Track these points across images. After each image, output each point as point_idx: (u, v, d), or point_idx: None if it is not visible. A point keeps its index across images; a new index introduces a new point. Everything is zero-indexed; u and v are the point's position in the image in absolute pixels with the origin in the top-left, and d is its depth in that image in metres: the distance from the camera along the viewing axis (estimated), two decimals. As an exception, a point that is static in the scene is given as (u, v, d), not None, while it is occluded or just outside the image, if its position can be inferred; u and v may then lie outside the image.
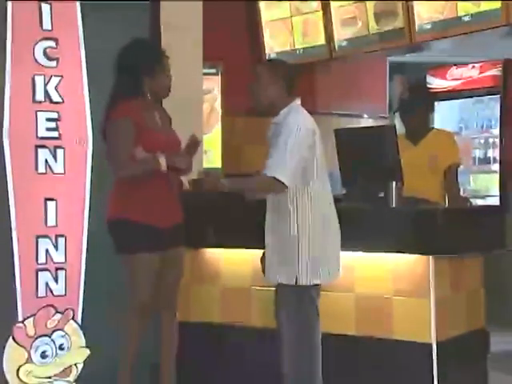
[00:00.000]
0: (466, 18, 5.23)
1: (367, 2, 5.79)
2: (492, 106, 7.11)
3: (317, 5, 6.09)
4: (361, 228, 3.99)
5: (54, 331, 4.04)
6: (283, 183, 3.56)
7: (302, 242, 3.65)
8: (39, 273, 4.01)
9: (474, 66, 7.17)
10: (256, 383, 4.29)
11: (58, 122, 4.07)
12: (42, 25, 4.05)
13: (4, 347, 3.93)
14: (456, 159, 4.79)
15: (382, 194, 4.22)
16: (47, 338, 4.03)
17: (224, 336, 4.46)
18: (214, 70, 5.93)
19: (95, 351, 4.10)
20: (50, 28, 4.06)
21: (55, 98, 4.07)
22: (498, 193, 6.84)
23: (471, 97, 7.30)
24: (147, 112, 3.81)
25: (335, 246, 3.75)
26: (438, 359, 3.89)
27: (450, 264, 4.03)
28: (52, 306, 4.04)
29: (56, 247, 4.05)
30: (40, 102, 4.04)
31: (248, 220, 4.16)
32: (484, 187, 7.12)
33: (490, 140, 7.23)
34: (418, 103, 4.79)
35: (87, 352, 4.11)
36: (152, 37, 4.34)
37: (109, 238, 3.79)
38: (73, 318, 4.09)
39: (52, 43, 4.06)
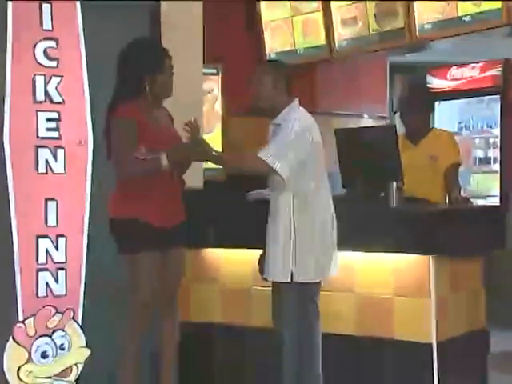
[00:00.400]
0: (467, 18, 5.22)
1: (367, 2, 5.79)
2: (492, 106, 7.13)
3: (317, 5, 6.09)
4: (361, 228, 3.99)
5: (54, 331, 4.04)
6: (273, 169, 3.58)
7: (298, 239, 3.66)
8: (39, 273, 4.00)
9: (474, 66, 7.18)
10: (256, 383, 4.29)
11: (59, 122, 4.06)
12: (42, 25, 4.04)
13: (4, 347, 3.93)
14: (456, 159, 4.79)
15: (382, 194, 4.22)
16: (47, 338, 4.02)
17: (224, 336, 4.46)
18: (214, 70, 5.93)
19: (95, 351, 4.09)
20: (50, 28, 4.06)
21: (55, 98, 4.06)
22: (498, 193, 6.85)
23: (471, 97, 7.31)
24: (149, 112, 3.81)
25: (332, 243, 3.76)
26: (438, 359, 3.89)
27: (450, 264, 4.03)
28: (52, 306, 4.03)
29: (56, 247, 4.04)
30: (40, 102, 4.03)
31: (248, 220, 4.16)
32: (484, 187, 7.13)
33: (490, 140, 7.24)
34: (418, 103, 4.79)
35: (87, 352, 4.10)
36: (152, 37, 4.34)
37: (109, 238, 3.79)
38: (73, 318, 4.08)
39: (52, 43, 4.06)
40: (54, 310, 4.03)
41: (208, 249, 4.51)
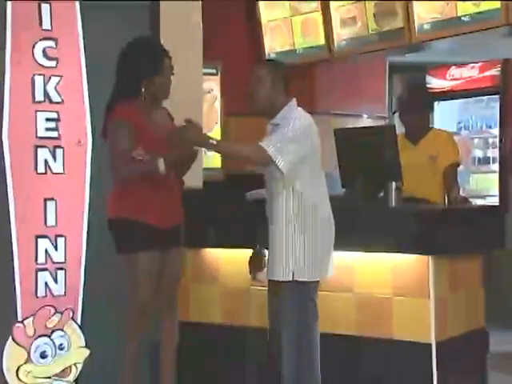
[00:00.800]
0: (466, 18, 5.22)
1: (367, 2, 5.79)
2: (492, 106, 7.12)
3: (316, 5, 6.08)
4: (360, 228, 4.00)
5: (53, 331, 4.04)
6: (272, 161, 3.58)
7: (298, 238, 3.66)
8: (39, 273, 4.00)
9: (473, 66, 7.17)
10: (256, 383, 4.29)
11: (58, 122, 4.07)
12: (41, 25, 4.04)
13: (3, 347, 3.93)
14: (455, 159, 4.79)
15: (381, 194, 4.23)
16: (47, 338, 4.03)
17: (224, 336, 4.46)
18: (213, 70, 5.92)
19: (95, 351, 4.09)
20: (49, 28, 4.06)
21: (55, 97, 4.06)
22: (497, 193, 6.84)
23: (471, 97, 7.31)
24: (147, 113, 3.81)
25: (330, 243, 3.76)
26: (437, 359, 3.89)
27: (450, 264, 4.03)
28: (51, 305, 4.03)
29: (55, 247, 4.04)
30: (39, 102, 4.03)
31: (247, 220, 4.16)
32: (483, 187, 7.13)
33: (490, 140, 7.23)
34: (417, 103, 4.79)
35: (87, 352, 4.11)
36: (151, 37, 4.33)
37: (108, 238, 3.79)
38: (72, 318, 4.08)
39: (51, 43, 4.06)
40: (53, 310, 4.03)
41: (208, 249, 4.51)
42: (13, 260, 3.94)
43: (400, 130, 4.75)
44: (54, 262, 4.04)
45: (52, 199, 4.04)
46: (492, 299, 4.50)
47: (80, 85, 4.12)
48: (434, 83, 7.38)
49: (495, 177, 6.97)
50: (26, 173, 3.98)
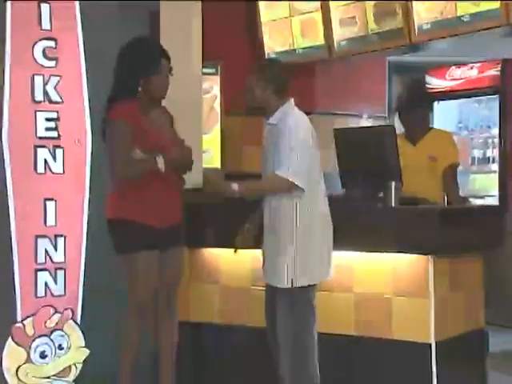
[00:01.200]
0: (466, 18, 5.21)
1: (366, 2, 5.78)
2: (491, 106, 7.12)
3: (316, 5, 6.08)
4: (360, 228, 4.00)
5: (53, 331, 4.04)
6: (297, 185, 3.57)
7: (299, 244, 3.64)
8: (38, 273, 4.00)
9: (473, 66, 7.17)
10: (255, 383, 4.29)
11: (58, 122, 4.07)
12: (41, 25, 4.05)
13: (3, 347, 3.93)
14: (455, 159, 4.80)
15: (380, 194, 4.23)
16: (46, 338, 4.03)
17: (224, 336, 4.46)
18: (213, 70, 5.92)
19: (95, 351, 4.09)
20: (49, 28, 4.06)
21: (54, 97, 4.06)
22: (497, 193, 6.84)
23: (470, 97, 7.31)
24: (145, 113, 3.81)
25: (329, 244, 3.75)
26: (437, 359, 3.89)
27: (450, 264, 4.03)
28: (51, 305, 4.04)
29: (55, 247, 4.04)
30: (39, 102, 4.03)
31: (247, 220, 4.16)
32: (483, 187, 7.13)
33: (489, 140, 7.23)
34: (416, 103, 4.80)
35: (86, 352, 4.11)
36: (152, 37, 4.33)
37: (108, 238, 3.79)
38: (72, 318, 4.08)
39: (51, 43, 4.06)
40: (52, 310, 4.04)
41: (208, 249, 4.50)
42: (12, 260, 3.94)
43: (400, 129, 4.75)
44: (53, 262, 4.04)
45: (52, 199, 4.04)
46: (492, 299, 4.51)
47: (80, 85, 4.13)
48: (434, 83, 7.37)
49: (495, 177, 6.97)
50: (25, 173, 3.98)
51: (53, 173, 4.05)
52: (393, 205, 4.12)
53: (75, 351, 4.10)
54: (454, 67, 7.34)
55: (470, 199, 5.29)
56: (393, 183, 4.13)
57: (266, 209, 3.75)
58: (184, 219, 3.90)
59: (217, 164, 5.98)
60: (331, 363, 3.89)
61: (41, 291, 4.01)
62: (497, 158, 7.00)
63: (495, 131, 7.04)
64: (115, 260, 3.81)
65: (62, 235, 4.06)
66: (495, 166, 7.03)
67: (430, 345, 3.90)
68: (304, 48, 6.22)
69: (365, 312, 4.06)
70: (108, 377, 3.83)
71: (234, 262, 4.37)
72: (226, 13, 5.97)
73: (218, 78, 5.98)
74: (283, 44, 6.32)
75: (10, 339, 3.94)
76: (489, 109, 7.20)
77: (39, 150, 4.02)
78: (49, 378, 4.04)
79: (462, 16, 5.24)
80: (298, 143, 3.60)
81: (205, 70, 5.26)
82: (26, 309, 3.98)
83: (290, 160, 3.57)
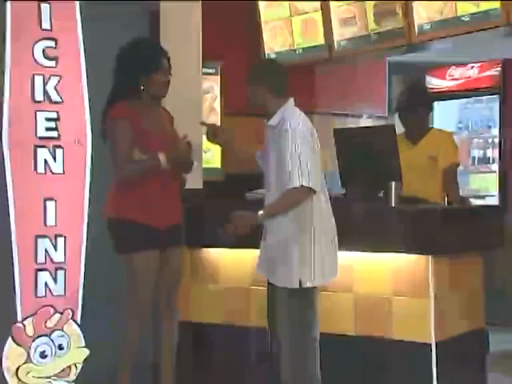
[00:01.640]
0: (466, 18, 5.22)
1: (366, 2, 5.78)
2: (491, 106, 7.13)
3: (316, 5, 6.08)
4: (360, 228, 3.99)
5: (53, 331, 4.04)
6: (311, 189, 3.55)
7: (304, 243, 3.63)
8: (38, 273, 4.01)
9: (473, 66, 7.18)
10: (256, 383, 4.29)
11: (58, 122, 4.07)
12: (41, 25, 4.05)
13: (3, 347, 3.93)
14: (455, 159, 4.79)
15: (381, 194, 4.22)
16: (46, 338, 4.03)
17: (224, 336, 4.46)
18: (213, 70, 5.92)
19: (95, 351, 4.09)
20: (49, 28, 4.06)
21: (54, 97, 4.07)
22: (497, 193, 6.85)
23: (470, 97, 7.32)
24: (144, 112, 3.81)
25: (333, 246, 3.74)
26: (437, 359, 3.89)
27: (450, 264, 4.03)
28: (51, 305, 4.04)
29: (55, 247, 4.05)
30: (39, 102, 4.03)
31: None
32: (483, 187, 7.13)
33: (489, 140, 7.24)
34: (417, 103, 4.79)
35: (86, 352, 4.11)
36: (151, 37, 4.34)
37: (108, 238, 3.79)
38: (72, 318, 4.09)
39: (51, 43, 4.06)
40: (52, 310, 4.04)
41: (208, 249, 4.50)
42: (13, 260, 3.94)
43: (400, 129, 4.75)
44: (53, 262, 4.04)
45: (52, 199, 4.04)
46: (492, 299, 4.50)
47: (80, 85, 4.13)
48: (434, 83, 7.39)
49: (495, 177, 6.97)
50: (25, 173, 3.99)
51: (53, 173, 4.05)
52: (393, 205, 4.12)
53: (75, 351, 4.10)
54: (453, 67, 7.34)
55: (470, 199, 5.28)
56: (393, 183, 4.12)
57: (269, 201, 3.73)
58: (184, 219, 3.90)
59: (217, 164, 5.99)
60: (331, 363, 3.89)
61: (41, 291, 4.01)
62: (497, 158, 7.00)
63: (495, 131, 7.05)
64: (115, 260, 3.80)
65: (61, 235, 4.06)
66: (495, 166, 7.04)
67: (430, 345, 3.89)
68: (304, 48, 6.23)
69: (365, 312, 4.06)
70: (108, 377, 3.83)
71: (234, 262, 4.38)
72: (226, 13, 5.97)
73: (218, 78, 5.98)
74: (283, 44, 6.33)
75: (10, 339, 3.94)
76: (489, 109, 7.21)
77: (39, 149, 4.02)
78: (49, 377, 4.04)
79: (462, 16, 5.25)
80: (303, 146, 3.56)
81: (205, 70, 5.27)
82: (26, 309, 3.98)
83: (300, 166, 3.53)
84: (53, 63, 4.06)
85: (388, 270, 4.01)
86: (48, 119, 4.05)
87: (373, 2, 5.76)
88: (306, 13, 6.17)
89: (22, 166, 3.99)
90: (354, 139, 4.49)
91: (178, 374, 3.98)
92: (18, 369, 3.96)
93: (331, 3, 6.00)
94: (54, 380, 4.06)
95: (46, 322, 4.02)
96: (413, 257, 3.92)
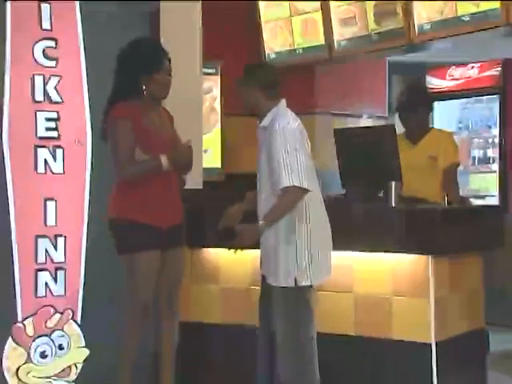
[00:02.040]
0: (466, 18, 5.22)
1: (367, 2, 5.78)
2: (491, 106, 7.12)
3: (316, 5, 6.08)
4: (360, 228, 3.99)
5: (53, 331, 4.04)
6: (304, 188, 3.56)
7: (300, 242, 3.64)
8: (38, 273, 4.01)
9: (473, 66, 7.18)
10: (255, 383, 4.29)
11: (58, 122, 4.07)
12: (41, 25, 4.05)
13: (3, 347, 3.93)
14: (455, 159, 4.79)
15: (381, 194, 4.22)
16: (47, 338, 4.03)
17: (224, 336, 4.46)
18: (213, 70, 5.92)
19: (95, 351, 4.09)
20: (49, 28, 4.06)
21: (54, 97, 4.07)
22: (497, 193, 6.85)
23: (470, 97, 7.31)
24: (145, 112, 3.81)
25: (328, 244, 3.75)
26: (437, 359, 3.89)
27: (450, 264, 4.03)
28: (51, 305, 4.04)
29: (55, 247, 4.05)
30: (39, 102, 4.03)
31: (247, 220, 4.15)
32: (483, 187, 7.13)
33: (490, 140, 7.24)
34: (417, 103, 4.79)
35: (87, 352, 4.11)
36: (151, 37, 4.34)
37: (108, 238, 3.79)
38: (72, 318, 4.09)
39: (51, 43, 4.06)
40: (53, 310, 4.04)
41: (208, 249, 4.50)
42: (13, 260, 3.94)
43: (400, 129, 4.75)
44: (53, 262, 4.04)
45: (52, 199, 4.04)
46: (492, 299, 4.50)
47: (80, 85, 4.13)
48: (434, 83, 7.38)
49: (495, 177, 6.97)
50: (26, 173, 3.99)
51: (53, 173, 4.05)
52: (393, 205, 4.12)
53: (75, 351, 4.10)
54: (454, 67, 7.34)
55: (470, 199, 5.29)
56: (393, 183, 4.13)
57: (262, 206, 3.73)
58: (184, 219, 3.90)
59: (217, 164, 5.99)
60: (331, 363, 3.89)
61: (41, 291, 4.01)
62: (497, 158, 7.00)
63: (495, 131, 7.05)
64: (116, 260, 3.80)
65: (61, 235, 4.06)
66: (495, 166, 7.04)
67: (430, 345, 3.89)
68: (304, 48, 6.23)
69: (365, 312, 4.06)
70: (108, 377, 3.83)
71: (234, 262, 4.37)
72: (226, 13, 5.97)
73: (218, 78, 5.98)
74: (283, 44, 6.33)
75: (10, 339, 3.94)
76: (489, 109, 7.21)
77: (39, 149, 4.02)
78: (49, 377, 4.04)
79: (462, 16, 5.24)
80: (293, 145, 3.58)
81: (205, 70, 5.26)
82: (26, 309, 3.98)
83: (291, 165, 3.55)
84: (53, 63, 4.06)
85: (388, 270, 4.01)
86: (48, 119, 4.05)
87: (373, 1, 5.76)
88: (306, 13, 6.17)
89: (22, 166, 3.99)
90: (354, 139, 4.49)
91: (178, 374, 3.98)
92: (18, 369, 3.96)
93: (331, 3, 5.99)
94: (54, 380, 4.06)
95: (46, 322, 4.02)
96: (413, 257, 3.92)
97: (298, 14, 6.21)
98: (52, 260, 4.04)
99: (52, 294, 4.03)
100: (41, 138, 4.03)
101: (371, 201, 4.22)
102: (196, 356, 4.47)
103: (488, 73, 7.03)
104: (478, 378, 4.27)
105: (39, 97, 4.03)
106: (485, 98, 7.21)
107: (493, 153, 7.17)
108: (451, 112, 7.47)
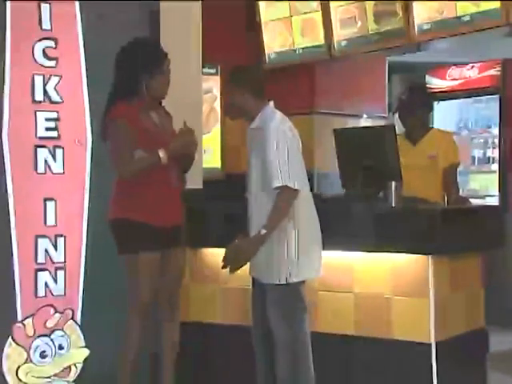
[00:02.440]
0: (466, 18, 5.22)
1: (366, 2, 5.78)
2: (491, 106, 7.12)
3: (316, 5, 6.08)
4: (360, 228, 3.99)
5: (53, 331, 4.04)
6: (295, 188, 3.58)
7: (290, 240, 3.65)
8: (38, 273, 4.01)
9: (473, 66, 7.18)
10: (255, 383, 4.29)
11: (58, 122, 4.07)
12: (41, 24, 4.05)
13: (3, 347, 3.93)
14: (455, 159, 4.80)
15: (381, 194, 4.23)
16: (46, 338, 4.03)
17: (224, 336, 4.46)
18: (213, 70, 5.93)
19: (95, 351, 4.09)
20: (49, 28, 4.06)
21: (54, 97, 4.07)
22: (497, 193, 6.85)
23: (470, 97, 7.31)
24: (144, 112, 3.81)
25: (318, 241, 3.76)
26: (437, 359, 3.89)
27: (450, 264, 4.03)
28: (51, 305, 4.04)
29: (55, 247, 4.05)
30: (39, 102, 4.03)
31: (248, 220, 4.15)
32: (483, 187, 7.13)
33: (489, 140, 7.24)
34: (417, 103, 4.80)
35: (86, 352, 4.11)
36: (151, 37, 4.34)
37: (108, 238, 3.79)
38: (72, 318, 4.09)
39: (51, 43, 4.06)
40: (53, 310, 4.04)
41: (208, 249, 4.50)
42: (13, 260, 3.94)
43: (400, 129, 4.75)
44: (53, 262, 4.04)
45: (52, 199, 4.04)
46: (492, 299, 4.50)
47: (80, 84, 4.13)
48: (434, 83, 7.38)
49: (495, 177, 6.97)
50: (25, 173, 3.99)
51: (53, 173, 4.05)
52: (393, 205, 4.12)
53: (75, 351, 4.10)
54: (453, 67, 7.34)
55: (470, 199, 5.29)
56: (393, 183, 4.13)
57: (253, 207, 3.75)
58: (184, 219, 3.90)
59: (217, 164, 5.99)
60: (331, 363, 3.89)
61: (41, 291, 4.01)
62: (497, 158, 7.00)
63: (495, 131, 7.05)
64: (116, 260, 3.80)
65: (62, 235, 4.06)
66: (495, 166, 7.03)
67: (430, 345, 3.89)
68: (304, 48, 6.22)
69: (365, 312, 4.06)
70: (108, 377, 3.83)
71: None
72: (226, 13, 5.97)
73: (218, 78, 5.99)
74: (283, 44, 6.32)
75: (10, 339, 3.94)
76: (489, 109, 7.21)
77: (39, 149, 4.02)
78: (49, 377, 4.04)
79: (462, 16, 5.24)
80: (285, 145, 3.61)
81: (205, 70, 5.27)
82: (26, 309, 3.98)
83: (283, 166, 3.57)
84: (53, 63, 4.06)
85: (388, 269, 4.01)
86: (48, 119, 4.05)
87: (373, 2, 5.75)
88: (306, 13, 6.17)
89: (22, 166, 3.99)
90: (354, 139, 4.49)
91: (178, 374, 3.98)
92: (18, 369, 3.96)
93: (331, 3, 5.99)
94: (54, 380, 4.06)
95: (45, 322, 4.02)
96: (413, 257, 3.93)
97: (298, 13, 6.21)
98: (52, 260, 4.04)
99: (52, 293, 4.03)
100: (41, 137, 4.03)
101: (371, 201, 4.22)
102: (196, 356, 4.47)
103: (488, 73, 7.02)
104: (478, 378, 4.27)
105: (39, 97, 4.03)
106: (484, 98, 7.21)
107: (493, 153, 7.17)
108: (451, 112, 7.47)
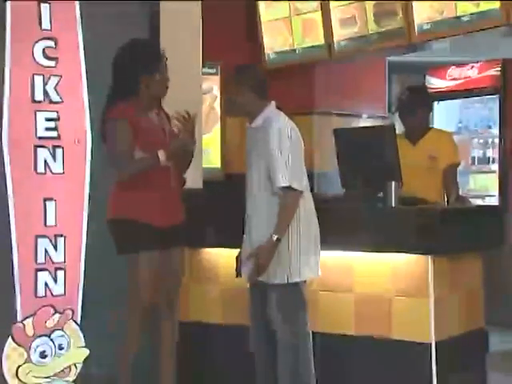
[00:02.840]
0: (466, 18, 5.22)
1: (366, 2, 5.78)
2: (491, 106, 7.12)
3: (316, 5, 6.08)
4: (360, 228, 4.00)
5: (53, 331, 4.03)
6: (299, 190, 3.59)
7: (291, 240, 3.66)
8: (38, 273, 4.00)
9: (473, 66, 7.18)
10: (255, 383, 4.29)
11: (57, 122, 4.06)
12: (41, 24, 4.04)
13: (3, 347, 3.92)
14: (455, 159, 4.80)
15: (381, 194, 4.23)
16: (46, 338, 4.02)
17: (224, 336, 4.46)
18: (213, 70, 5.93)
19: (95, 351, 4.09)
20: (49, 28, 4.05)
21: (54, 97, 4.06)
22: (496, 193, 6.85)
23: (470, 97, 7.31)
24: (144, 112, 3.81)
25: (317, 242, 3.76)
26: (436, 359, 3.89)
27: (449, 264, 4.03)
28: (51, 305, 4.03)
29: (55, 247, 4.04)
30: (39, 102, 4.03)
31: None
32: (483, 187, 7.13)
33: (489, 140, 7.24)
34: (417, 103, 4.80)
35: (86, 352, 4.10)
36: (151, 37, 4.34)
37: (108, 238, 3.79)
38: (72, 318, 4.08)
39: (51, 43, 4.06)
40: (52, 310, 4.03)
41: (208, 249, 4.50)
42: (12, 260, 3.93)
43: (400, 129, 4.75)
44: (53, 262, 4.04)
45: (52, 199, 4.03)
46: (492, 299, 4.50)
47: (80, 85, 4.12)
48: (434, 83, 7.38)
49: (495, 177, 6.97)
50: (25, 173, 3.98)
51: (53, 173, 4.04)
52: (393, 205, 4.12)
53: (75, 351, 4.09)
54: (453, 67, 7.34)
55: (470, 199, 5.29)
56: (393, 183, 4.13)
57: (253, 205, 3.75)
58: (184, 219, 3.90)
59: (217, 164, 5.99)
60: (331, 363, 3.89)
61: (41, 291, 4.00)
62: (497, 158, 7.00)
63: (495, 131, 7.05)
64: (115, 260, 3.80)
65: (62, 235, 4.06)
66: (495, 166, 7.04)
67: (430, 345, 3.89)
68: (304, 48, 6.22)
69: (365, 312, 4.06)
70: (108, 377, 3.83)
71: (233, 262, 4.37)
72: (226, 13, 5.97)
73: (217, 78, 5.98)
74: (283, 44, 6.32)
75: (10, 339, 3.94)
76: (489, 109, 7.21)
77: (39, 149, 4.02)
78: (49, 377, 4.04)
79: (462, 16, 5.24)
80: (287, 145, 3.61)
81: (205, 70, 5.27)
82: (25, 309, 3.97)
83: (286, 166, 3.58)
84: (53, 63, 4.06)
85: (388, 270, 4.01)
86: (48, 119, 4.04)
87: (373, 1, 5.76)
88: (307, 13, 6.17)
89: (22, 166, 3.98)
90: (354, 139, 4.49)
91: (178, 374, 3.98)
92: (17, 369, 3.95)
93: (331, 3, 5.99)
94: (54, 380, 4.05)
95: (46, 322, 4.02)
96: (413, 257, 3.93)
97: (298, 13, 6.21)
98: (52, 260, 4.03)
99: (52, 293, 4.03)
100: (40, 137, 4.02)
101: (371, 201, 4.23)
102: (196, 356, 4.46)
103: (488, 73, 7.02)
104: (478, 378, 4.27)
105: (39, 97, 4.02)
106: (484, 97, 7.21)
107: (493, 153, 7.17)
108: (451, 112, 7.47)
